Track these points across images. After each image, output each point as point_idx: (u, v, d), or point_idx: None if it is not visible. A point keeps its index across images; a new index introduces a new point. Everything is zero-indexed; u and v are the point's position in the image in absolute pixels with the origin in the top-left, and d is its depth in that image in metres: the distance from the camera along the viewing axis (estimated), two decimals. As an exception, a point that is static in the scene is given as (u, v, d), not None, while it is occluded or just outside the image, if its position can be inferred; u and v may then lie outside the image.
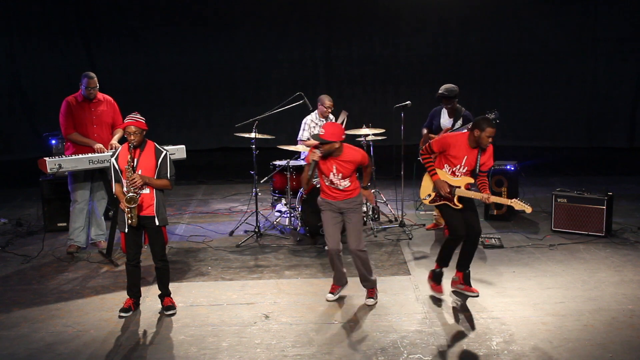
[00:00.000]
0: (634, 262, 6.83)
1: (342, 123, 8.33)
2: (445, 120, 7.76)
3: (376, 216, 8.37)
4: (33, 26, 12.90)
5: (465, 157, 5.80)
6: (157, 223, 5.65)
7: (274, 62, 13.41)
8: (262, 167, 8.13)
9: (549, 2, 13.04)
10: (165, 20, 13.16)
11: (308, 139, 8.31)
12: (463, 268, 5.97)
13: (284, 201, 8.11)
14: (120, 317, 5.67)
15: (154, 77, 13.24)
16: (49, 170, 6.60)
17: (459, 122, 7.64)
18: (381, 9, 13.16)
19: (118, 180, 5.63)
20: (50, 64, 12.92)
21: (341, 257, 5.96)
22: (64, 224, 7.79)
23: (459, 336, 5.30)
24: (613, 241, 7.45)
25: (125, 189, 5.54)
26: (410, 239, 7.69)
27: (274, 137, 8.42)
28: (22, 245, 7.67)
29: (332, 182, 5.80)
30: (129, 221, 5.55)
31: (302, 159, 8.33)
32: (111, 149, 6.94)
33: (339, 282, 6.07)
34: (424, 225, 8.16)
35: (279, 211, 8.31)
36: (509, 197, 8.16)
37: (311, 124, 8.31)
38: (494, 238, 7.42)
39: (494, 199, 5.83)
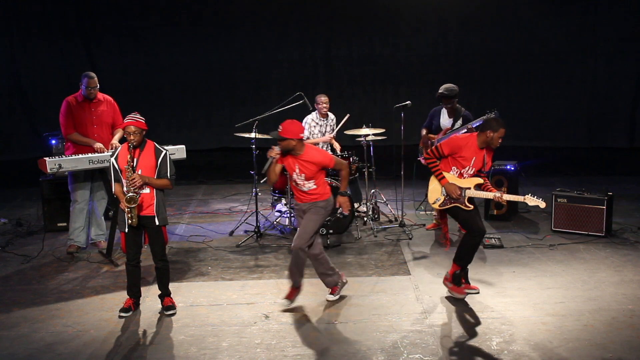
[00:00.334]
0: (634, 262, 6.83)
1: (342, 124, 8.34)
2: (445, 120, 7.76)
3: (376, 216, 8.37)
4: (33, 26, 12.90)
5: (474, 158, 5.82)
6: (157, 223, 5.64)
7: (274, 62, 13.41)
8: (262, 168, 8.10)
9: (549, 2, 13.04)
10: (165, 20, 13.16)
11: (308, 138, 8.32)
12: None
13: (284, 201, 8.11)
14: (120, 317, 5.67)
15: (154, 77, 13.24)
16: (49, 170, 6.60)
17: (459, 122, 7.65)
18: (381, 9, 13.16)
19: (118, 180, 5.63)
20: (50, 64, 12.91)
21: (304, 258, 5.82)
22: (64, 224, 7.79)
23: (459, 336, 5.30)
24: (613, 241, 7.45)
25: (125, 189, 5.55)
26: (410, 239, 7.69)
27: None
28: (22, 245, 7.67)
29: (297, 183, 5.75)
30: (129, 221, 5.55)
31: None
32: (111, 148, 6.94)
33: (294, 284, 5.92)
34: (424, 225, 8.16)
35: (279, 211, 8.31)
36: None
37: (311, 124, 8.31)
38: (494, 238, 7.42)
39: (507, 197, 5.86)
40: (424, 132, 7.88)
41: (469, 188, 5.83)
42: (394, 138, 8.24)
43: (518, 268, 6.72)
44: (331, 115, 8.43)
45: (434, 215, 8.12)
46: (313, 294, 6.14)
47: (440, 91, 7.64)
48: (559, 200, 7.78)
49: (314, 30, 13.43)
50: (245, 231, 7.98)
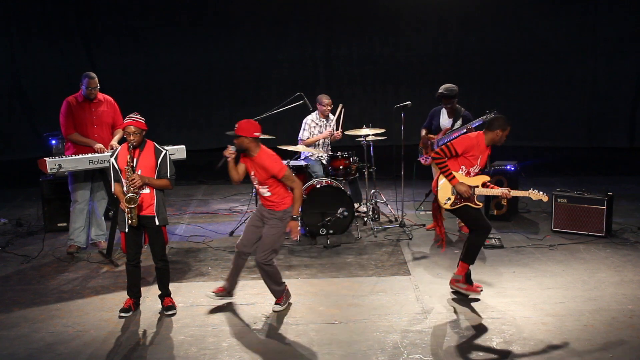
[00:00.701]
0: (634, 262, 6.83)
1: (339, 117, 8.32)
2: (444, 120, 7.77)
3: (376, 216, 8.37)
4: (33, 26, 12.88)
5: (481, 156, 5.93)
6: (157, 223, 5.65)
7: (274, 62, 13.40)
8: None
9: (549, 2, 13.03)
10: (165, 20, 13.14)
11: (308, 138, 8.32)
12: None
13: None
14: (120, 317, 5.67)
15: (154, 77, 13.23)
16: (49, 171, 6.60)
17: (459, 122, 7.65)
18: (381, 9, 13.15)
19: (118, 180, 5.63)
20: (50, 64, 12.90)
21: (243, 262, 5.80)
22: (64, 224, 7.79)
23: (459, 336, 5.30)
24: (613, 241, 7.45)
25: (125, 189, 5.55)
26: (410, 239, 7.69)
27: (274, 137, 8.41)
28: (22, 245, 7.67)
29: (255, 185, 5.69)
30: (129, 221, 5.55)
31: (302, 159, 8.34)
32: (111, 149, 6.94)
33: (228, 287, 5.87)
34: (424, 225, 8.16)
35: (279, 211, 8.29)
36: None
37: (312, 124, 8.32)
38: (494, 238, 7.41)
39: (514, 192, 5.98)
40: (423, 132, 7.88)
41: (477, 186, 5.91)
42: (394, 138, 8.25)
43: (518, 268, 6.72)
44: (331, 116, 8.43)
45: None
46: (313, 294, 6.14)
47: (440, 91, 7.64)
48: (559, 200, 7.78)
49: (314, 30, 13.43)
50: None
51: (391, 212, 8.49)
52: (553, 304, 5.83)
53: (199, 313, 5.76)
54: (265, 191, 5.62)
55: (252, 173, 5.63)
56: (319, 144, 8.35)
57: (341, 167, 8.00)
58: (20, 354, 5.12)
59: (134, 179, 5.47)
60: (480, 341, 5.19)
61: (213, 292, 5.88)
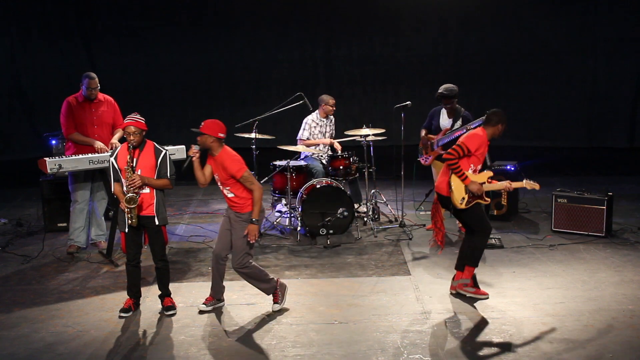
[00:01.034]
0: (634, 262, 6.83)
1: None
2: (444, 120, 7.76)
3: (376, 216, 8.37)
4: (33, 26, 12.89)
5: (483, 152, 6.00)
6: (157, 223, 5.65)
7: (274, 62, 13.41)
8: (263, 168, 8.13)
9: (549, 2, 13.04)
10: (165, 20, 13.15)
11: (308, 138, 8.32)
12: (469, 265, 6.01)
13: (284, 201, 8.11)
14: (120, 317, 5.67)
15: (154, 77, 13.24)
16: (49, 171, 6.60)
17: (459, 123, 7.64)
18: (381, 9, 13.15)
19: (117, 180, 5.63)
20: (50, 64, 12.91)
21: (223, 267, 5.76)
22: (64, 224, 7.79)
23: (459, 336, 5.30)
24: (613, 241, 7.45)
25: (124, 189, 5.55)
26: (410, 239, 7.69)
27: (274, 137, 8.42)
28: (22, 246, 7.67)
29: (218, 184, 5.65)
30: (129, 221, 5.55)
31: (302, 159, 8.34)
32: (111, 148, 6.94)
33: (215, 295, 5.82)
34: (424, 225, 8.16)
35: (279, 211, 8.31)
36: (509, 197, 8.28)
37: (312, 124, 8.32)
38: (494, 238, 7.40)
39: (515, 184, 6.12)
40: (423, 132, 7.88)
41: (484, 182, 5.95)
42: (394, 138, 8.25)
43: (518, 268, 6.72)
44: (330, 116, 8.43)
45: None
46: (313, 294, 6.14)
47: (439, 91, 7.64)
48: (559, 200, 7.78)
49: (314, 30, 13.43)
50: (245, 231, 7.97)
51: (391, 212, 8.48)
52: (553, 304, 5.83)
53: (199, 313, 5.76)
54: (227, 192, 5.58)
55: (216, 174, 5.59)
56: (318, 146, 8.35)
57: (341, 167, 8.01)
58: (21, 354, 5.12)
59: (133, 179, 5.47)
60: (480, 341, 5.19)
61: (204, 304, 5.83)
